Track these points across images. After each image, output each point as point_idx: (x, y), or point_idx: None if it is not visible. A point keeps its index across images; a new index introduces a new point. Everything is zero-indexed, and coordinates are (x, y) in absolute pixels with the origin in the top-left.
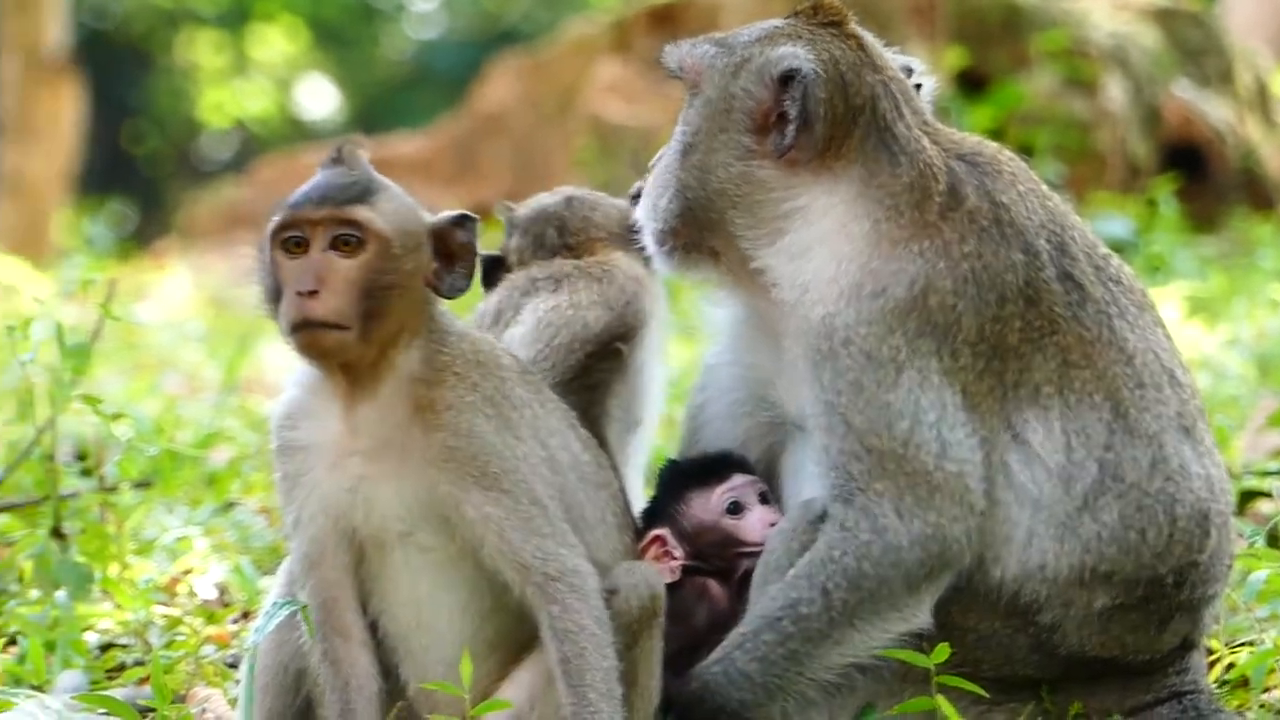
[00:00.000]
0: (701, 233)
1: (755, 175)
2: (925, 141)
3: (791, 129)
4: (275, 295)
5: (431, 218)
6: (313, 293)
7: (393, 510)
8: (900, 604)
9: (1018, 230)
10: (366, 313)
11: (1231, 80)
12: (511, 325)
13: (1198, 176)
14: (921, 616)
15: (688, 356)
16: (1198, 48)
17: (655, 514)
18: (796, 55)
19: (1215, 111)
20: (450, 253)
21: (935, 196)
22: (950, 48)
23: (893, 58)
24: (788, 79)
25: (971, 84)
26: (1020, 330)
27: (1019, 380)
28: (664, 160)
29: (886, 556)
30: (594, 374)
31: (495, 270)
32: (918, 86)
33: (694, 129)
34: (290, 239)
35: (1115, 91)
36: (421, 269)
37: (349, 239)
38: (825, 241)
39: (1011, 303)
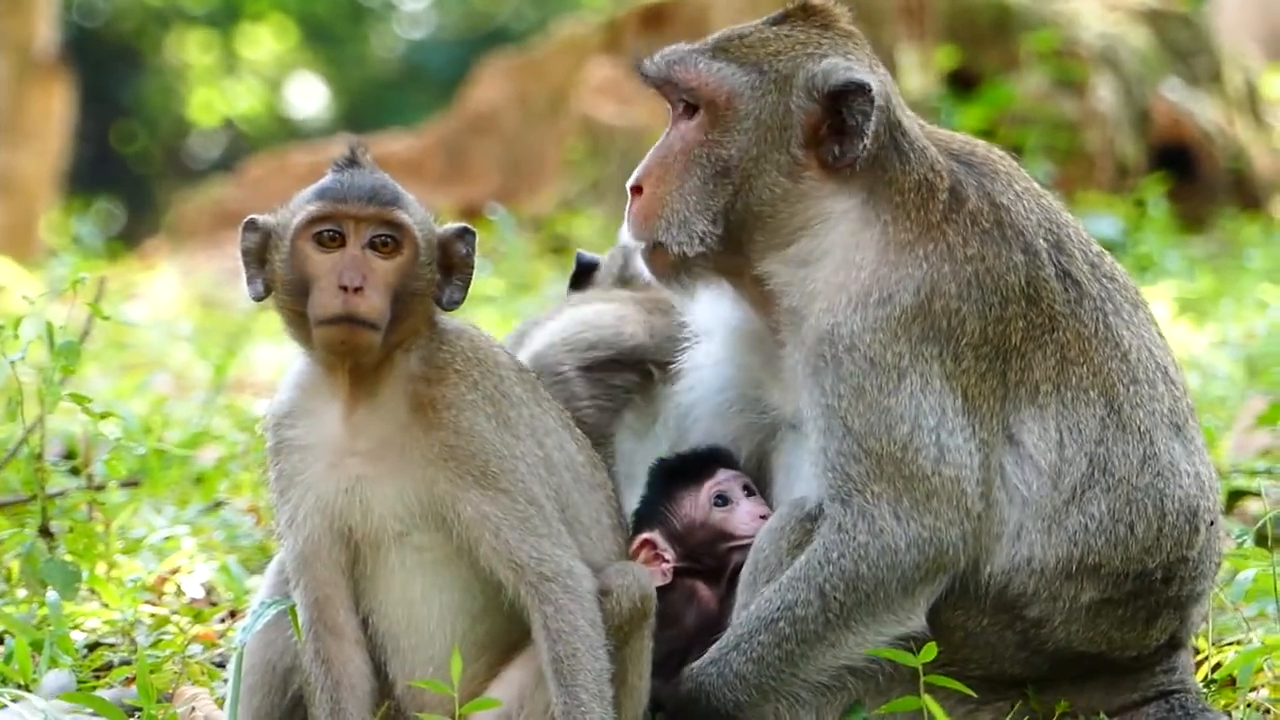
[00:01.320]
0: (732, 254)
1: (797, 189)
2: (925, 142)
3: (863, 143)
4: (300, 287)
5: (438, 228)
6: (358, 289)
7: (390, 510)
8: (895, 606)
9: (1017, 230)
10: (393, 315)
11: (1220, 81)
12: (549, 322)
13: (1187, 177)
14: (916, 619)
15: None
16: (1187, 49)
17: (645, 516)
18: (849, 68)
19: (1204, 112)
20: (450, 264)
21: (939, 197)
22: (941, 48)
23: None
24: (840, 93)
25: (962, 84)
26: (1023, 330)
27: (1020, 379)
28: (687, 182)
29: (883, 558)
30: (616, 377)
31: (586, 276)
32: None
33: (739, 150)
34: (326, 233)
35: (1105, 92)
36: (434, 277)
37: (388, 240)
38: (836, 249)
39: (1014, 303)
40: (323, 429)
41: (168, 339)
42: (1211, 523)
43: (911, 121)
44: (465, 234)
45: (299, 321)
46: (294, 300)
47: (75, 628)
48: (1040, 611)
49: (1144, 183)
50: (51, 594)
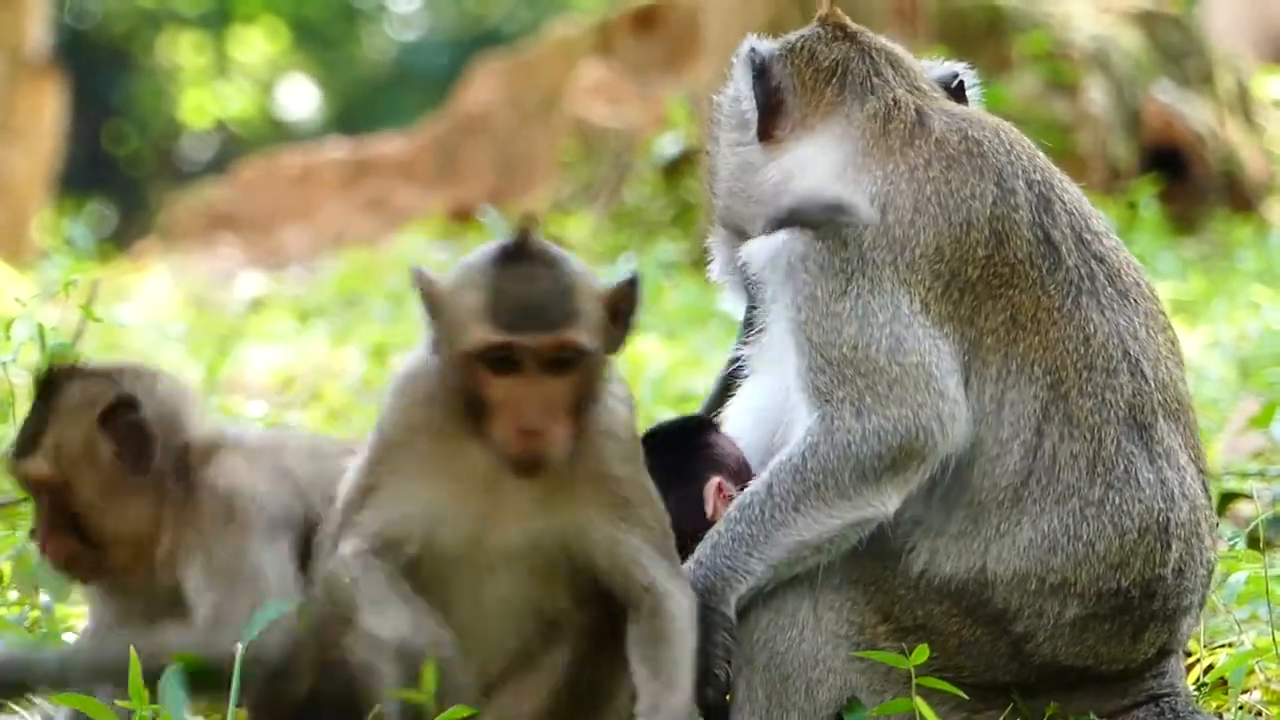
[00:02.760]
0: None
1: (747, 160)
2: (901, 91)
3: (761, 96)
4: (475, 399)
5: (604, 289)
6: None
7: (518, 538)
8: (851, 494)
9: (991, 165)
10: (579, 411)
11: (1212, 83)
12: None
13: (1178, 178)
14: (879, 506)
15: (673, 357)
16: (1179, 50)
17: (702, 464)
18: (753, 43)
19: (1196, 114)
20: (616, 315)
21: (895, 125)
22: (932, 49)
23: (936, 66)
24: (761, 62)
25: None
26: (981, 267)
27: (969, 320)
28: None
29: (834, 451)
30: None
31: None
32: (960, 87)
33: (711, 155)
34: (501, 361)
35: (1096, 94)
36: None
37: (568, 361)
38: (795, 183)
39: (977, 230)
40: (464, 452)
41: (160, 340)
42: (1189, 538)
43: (888, 80)
44: (633, 285)
45: (474, 412)
46: (470, 404)
47: (67, 630)
48: (1025, 626)
49: (1135, 184)
50: (44, 596)
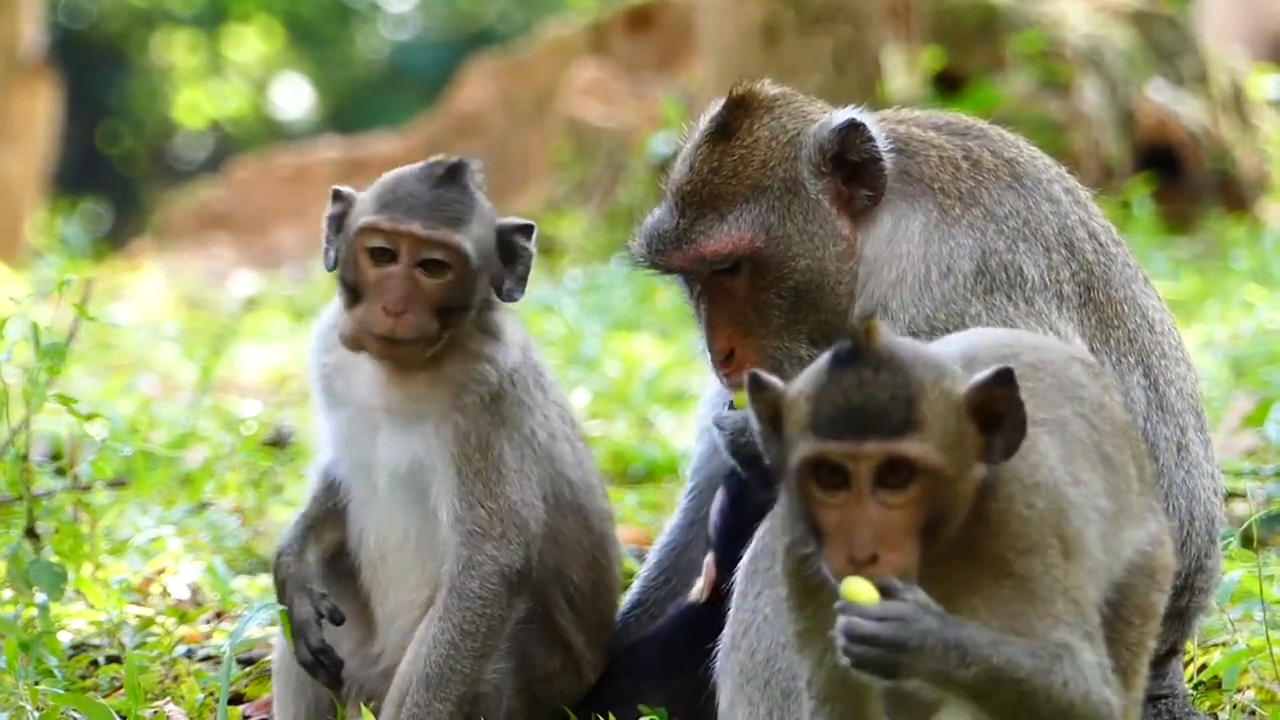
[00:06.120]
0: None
1: (851, 254)
2: (919, 130)
3: (883, 163)
4: (354, 286)
5: (499, 220)
6: (403, 312)
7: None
8: None
9: (1035, 179)
10: (445, 323)
11: (1206, 82)
12: None
13: (1172, 178)
14: None
15: (666, 356)
16: (1173, 49)
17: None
18: (824, 123)
19: (1190, 113)
20: (511, 255)
21: (962, 165)
22: (927, 49)
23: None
24: (839, 147)
25: (948, 85)
26: (1070, 282)
27: (1080, 333)
28: (771, 325)
29: None
30: None
31: None
32: None
33: (802, 273)
34: (379, 248)
35: (1090, 93)
36: (490, 277)
37: (439, 263)
38: (888, 251)
39: (1054, 251)
40: (360, 387)
41: (153, 340)
42: (1217, 536)
43: (903, 120)
44: (526, 228)
45: (351, 305)
46: (349, 292)
47: (60, 629)
48: None
49: (1129, 183)
50: (38, 595)
